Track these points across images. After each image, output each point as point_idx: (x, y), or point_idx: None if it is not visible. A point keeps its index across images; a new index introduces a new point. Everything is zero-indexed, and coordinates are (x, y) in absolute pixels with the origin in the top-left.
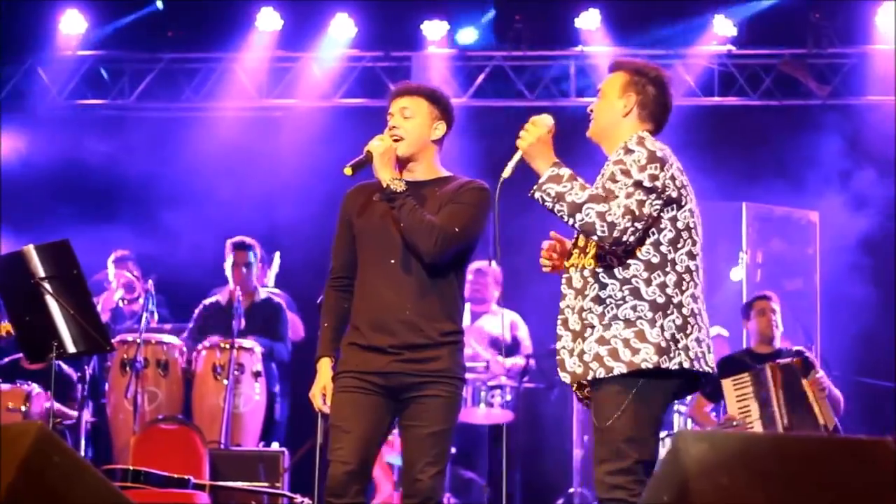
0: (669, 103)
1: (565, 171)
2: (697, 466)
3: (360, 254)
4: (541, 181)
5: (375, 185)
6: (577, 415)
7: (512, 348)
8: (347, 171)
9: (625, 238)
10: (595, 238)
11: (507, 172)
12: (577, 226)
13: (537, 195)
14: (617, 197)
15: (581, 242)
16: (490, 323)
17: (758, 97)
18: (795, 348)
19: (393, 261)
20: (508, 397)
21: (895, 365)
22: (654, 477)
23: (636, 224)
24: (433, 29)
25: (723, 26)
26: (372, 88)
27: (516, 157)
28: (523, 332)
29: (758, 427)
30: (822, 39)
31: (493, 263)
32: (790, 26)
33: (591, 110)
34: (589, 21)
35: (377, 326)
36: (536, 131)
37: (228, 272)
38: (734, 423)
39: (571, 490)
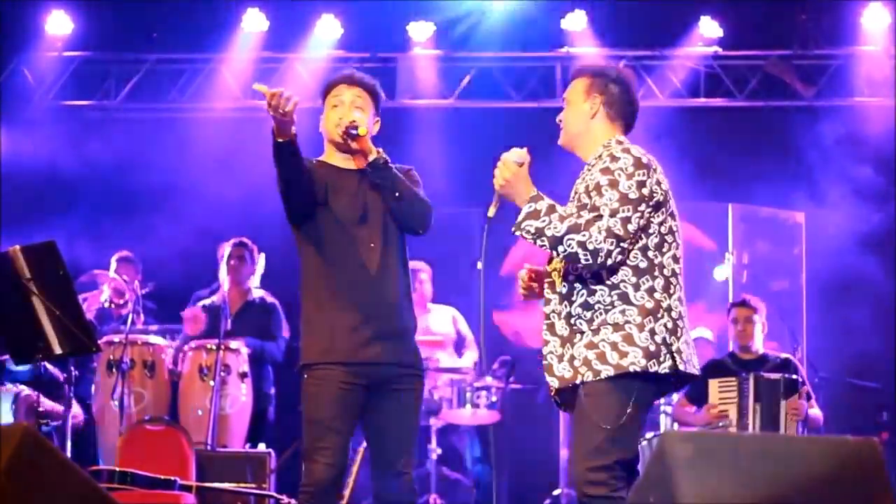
0: (635, 101)
1: (542, 205)
2: (683, 467)
3: (332, 234)
4: (519, 219)
5: (330, 168)
6: (563, 415)
7: (458, 344)
8: (363, 131)
9: (609, 261)
10: (581, 266)
11: (491, 212)
12: (560, 257)
13: (518, 233)
14: (600, 218)
15: None
16: (433, 322)
17: (744, 98)
18: (783, 355)
19: (373, 245)
20: (494, 398)
21: (881, 365)
22: (641, 477)
23: (621, 244)
24: (419, 30)
25: (709, 28)
26: None
27: (496, 196)
28: (464, 326)
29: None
30: (808, 41)
31: (479, 264)
32: (776, 27)
33: (560, 120)
34: (575, 22)
35: (365, 308)
36: (507, 170)
37: (223, 272)
38: (720, 424)
39: (558, 491)
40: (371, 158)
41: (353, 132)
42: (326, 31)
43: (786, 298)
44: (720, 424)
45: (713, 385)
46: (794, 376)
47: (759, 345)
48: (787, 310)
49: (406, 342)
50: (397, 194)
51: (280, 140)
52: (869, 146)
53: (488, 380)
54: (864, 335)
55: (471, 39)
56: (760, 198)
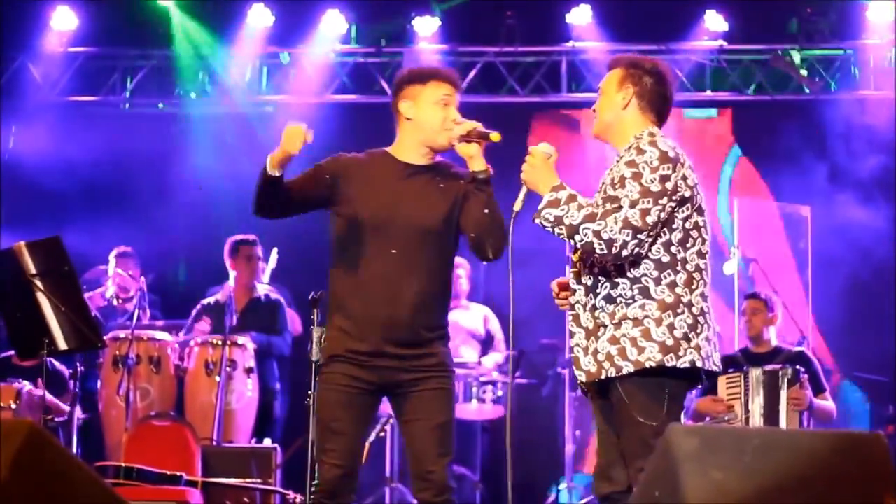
0: (668, 94)
1: (563, 194)
2: (688, 460)
3: (355, 234)
4: (540, 207)
5: (378, 163)
6: (568, 410)
7: (486, 342)
8: (496, 136)
9: (625, 252)
10: (597, 255)
11: (517, 205)
12: (578, 246)
13: (538, 220)
14: (619, 209)
15: None
16: (463, 318)
17: (749, 92)
18: (796, 349)
19: (394, 251)
20: (500, 393)
21: (887, 359)
22: (646, 471)
23: (638, 236)
24: (424, 25)
25: (714, 22)
26: (363, 84)
27: (524, 189)
28: (495, 325)
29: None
30: (813, 34)
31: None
32: (782, 21)
33: (595, 110)
34: (580, 17)
35: (374, 322)
36: (536, 158)
37: (231, 270)
38: (725, 418)
39: (563, 485)
40: (478, 168)
41: (486, 136)
42: (332, 25)
43: (792, 292)
44: (725, 418)
45: (721, 382)
46: (798, 367)
47: (771, 338)
48: (792, 304)
49: (423, 349)
50: (486, 211)
51: (274, 174)
52: (874, 139)
53: (494, 374)
54: (869, 328)
55: (476, 34)
56: (766, 191)
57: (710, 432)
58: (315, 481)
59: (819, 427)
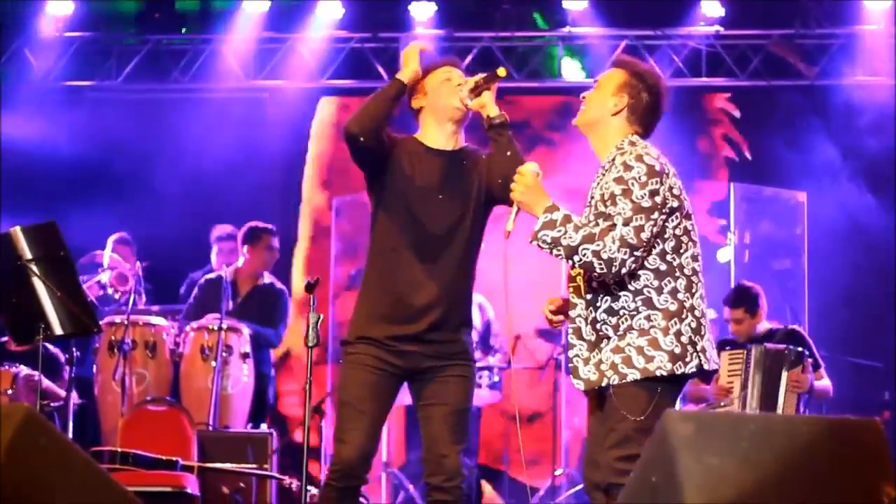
0: (661, 112)
1: (558, 215)
2: (685, 446)
3: (396, 213)
4: (536, 228)
5: (411, 147)
6: (564, 397)
7: (484, 333)
8: (502, 71)
9: (624, 270)
10: (596, 274)
11: (509, 226)
12: (576, 266)
13: (535, 242)
14: (614, 227)
15: None
16: None
17: (745, 78)
18: (789, 327)
19: (435, 235)
20: (496, 378)
21: (883, 345)
22: (643, 457)
23: (635, 253)
24: (421, 10)
25: (710, 7)
26: (359, 70)
27: (514, 208)
28: (491, 314)
29: (735, 406)
30: (809, 20)
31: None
32: (778, 7)
33: (584, 97)
34: (577, 2)
35: (405, 309)
36: (524, 180)
37: (243, 254)
38: (721, 404)
39: (559, 471)
40: (493, 114)
41: (492, 76)
42: (327, 11)
43: (788, 278)
44: (722, 404)
45: (724, 357)
46: (800, 348)
47: (761, 326)
48: (788, 289)
49: (451, 335)
50: (509, 153)
51: (404, 81)
52: (870, 125)
53: (490, 360)
54: (865, 314)
55: (473, 19)
56: (762, 177)
57: (706, 418)
58: (332, 461)
59: (816, 408)
